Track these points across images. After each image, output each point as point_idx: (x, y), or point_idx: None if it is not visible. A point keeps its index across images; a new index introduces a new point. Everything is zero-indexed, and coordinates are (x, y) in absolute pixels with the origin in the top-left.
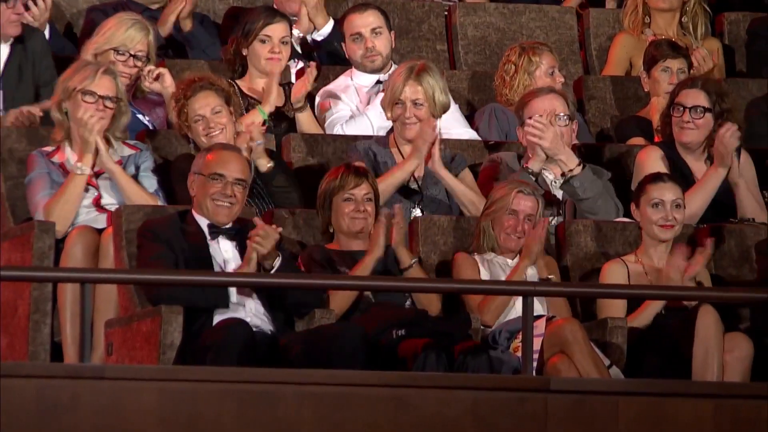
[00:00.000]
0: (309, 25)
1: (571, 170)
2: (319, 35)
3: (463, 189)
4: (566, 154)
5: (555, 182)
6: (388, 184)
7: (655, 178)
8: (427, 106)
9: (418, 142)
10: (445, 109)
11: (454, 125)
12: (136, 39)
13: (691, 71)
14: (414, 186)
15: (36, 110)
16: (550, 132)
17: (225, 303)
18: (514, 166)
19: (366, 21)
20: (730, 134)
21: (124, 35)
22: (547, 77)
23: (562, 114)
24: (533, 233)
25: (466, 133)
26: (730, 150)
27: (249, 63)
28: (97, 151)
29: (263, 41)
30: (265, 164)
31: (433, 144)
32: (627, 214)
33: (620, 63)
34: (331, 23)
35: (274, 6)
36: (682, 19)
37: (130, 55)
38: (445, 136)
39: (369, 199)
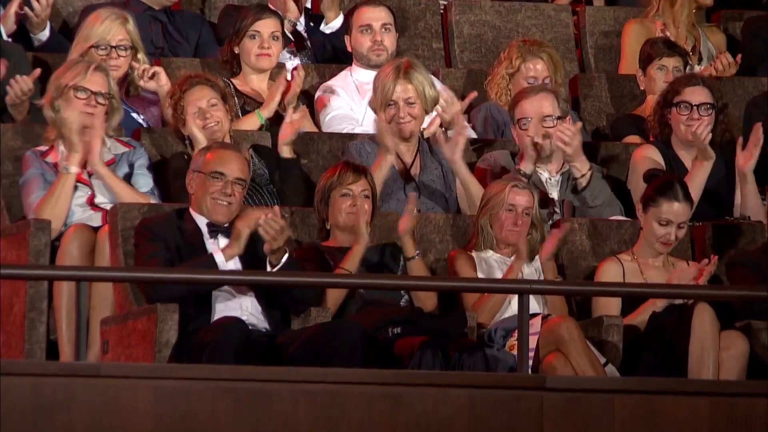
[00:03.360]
0: (297, 12)
1: (583, 175)
2: (329, 28)
3: (476, 184)
4: (581, 160)
5: (550, 180)
6: None
7: (672, 194)
8: (419, 103)
9: (383, 138)
10: (435, 101)
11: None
12: (113, 30)
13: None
14: (411, 181)
15: (27, 79)
16: (576, 140)
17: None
18: (508, 165)
19: (378, 15)
20: (701, 130)
21: (100, 29)
22: (507, 72)
23: (551, 115)
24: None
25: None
26: (704, 143)
27: (241, 60)
28: (87, 151)
29: (253, 36)
30: (290, 151)
31: (460, 135)
32: (625, 212)
33: (635, 53)
34: (341, 18)
35: (269, 4)
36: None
37: (111, 47)
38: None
39: (366, 195)
